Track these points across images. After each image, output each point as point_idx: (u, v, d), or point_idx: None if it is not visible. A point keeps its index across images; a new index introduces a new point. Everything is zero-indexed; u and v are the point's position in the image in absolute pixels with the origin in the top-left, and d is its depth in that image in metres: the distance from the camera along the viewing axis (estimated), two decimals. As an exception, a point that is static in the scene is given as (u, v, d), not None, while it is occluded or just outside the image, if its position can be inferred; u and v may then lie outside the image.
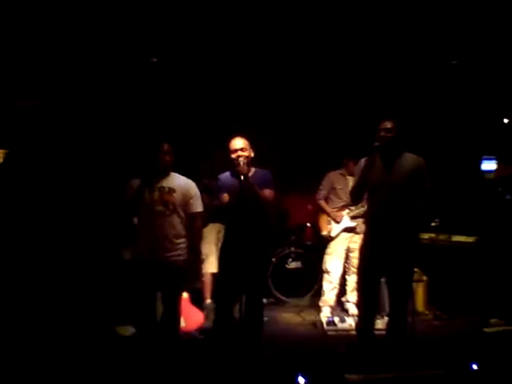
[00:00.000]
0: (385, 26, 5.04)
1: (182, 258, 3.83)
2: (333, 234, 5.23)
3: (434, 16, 4.91)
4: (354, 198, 4.28)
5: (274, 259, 5.82)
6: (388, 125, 3.92)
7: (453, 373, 3.61)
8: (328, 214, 5.28)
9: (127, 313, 4.35)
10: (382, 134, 3.91)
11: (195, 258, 4.04)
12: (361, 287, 4.17)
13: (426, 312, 5.30)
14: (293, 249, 5.97)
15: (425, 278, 5.38)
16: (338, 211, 5.24)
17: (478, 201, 6.13)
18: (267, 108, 6.14)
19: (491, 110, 6.61)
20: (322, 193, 5.33)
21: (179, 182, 3.86)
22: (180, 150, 4.05)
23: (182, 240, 3.85)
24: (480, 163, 6.72)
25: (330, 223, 5.28)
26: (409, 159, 3.97)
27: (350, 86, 5.99)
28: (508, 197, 6.37)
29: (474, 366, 3.63)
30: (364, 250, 4.15)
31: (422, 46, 5.43)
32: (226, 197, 3.96)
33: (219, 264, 4.16)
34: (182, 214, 3.83)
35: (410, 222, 3.94)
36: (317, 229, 5.63)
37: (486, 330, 4.67)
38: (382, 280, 4.23)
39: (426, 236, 5.37)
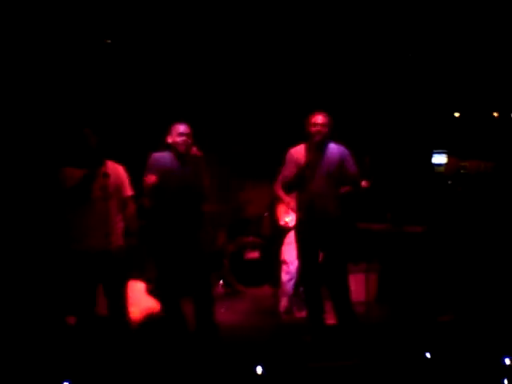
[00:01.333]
0: (340, 16, 5.09)
1: (118, 244, 3.80)
2: (291, 224, 5.24)
3: (390, 10, 4.99)
4: (289, 190, 4.38)
5: (231, 249, 5.82)
6: (324, 119, 4.08)
7: (407, 360, 3.71)
8: (286, 204, 5.28)
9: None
10: (319, 128, 4.06)
11: (133, 240, 3.99)
12: (303, 276, 4.35)
13: (379, 301, 5.40)
14: (251, 238, 5.96)
15: (379, 267, 5.49)
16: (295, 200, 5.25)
17: (429, 193, 6.30)
18: (223, 99, 6.09)
19: (442, 104, 6.79)
20: (280, 181, 5.32)
21: (110, 167, 3.80)
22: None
23: (118, 225, 3.83)
24: (431, 157, 6.91)
25: (287, 213, 5.29)
26: (335, 149, 4.18)
27: (304, 75, 6.02)
28: (459, 189, 6.59)
29: (427, 355, 3.74)
30: (299, 238, 4.28)
31: (380, 38, 5.51)
32: (152, 178, 3.84)
33: (155, 259, 4.06)
34: (116, 198, 3.80)
35: (339, 207, 4.16)
36: (275, 218, 5.62)
37: (439, 318, 4.81)
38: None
39: (380, 227, 5.48)
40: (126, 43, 5.33)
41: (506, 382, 3.33)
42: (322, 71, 5.96)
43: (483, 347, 3.88)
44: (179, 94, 5.87)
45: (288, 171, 4.20)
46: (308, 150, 4.13)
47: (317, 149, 4.10)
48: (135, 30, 5.13)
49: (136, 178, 4.00)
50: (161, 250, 3.97)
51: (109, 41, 5.27)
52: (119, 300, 3.84)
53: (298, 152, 4.21)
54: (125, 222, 3.87)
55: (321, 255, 4.29)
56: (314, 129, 4.07)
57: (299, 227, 4.30)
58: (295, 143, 5.41)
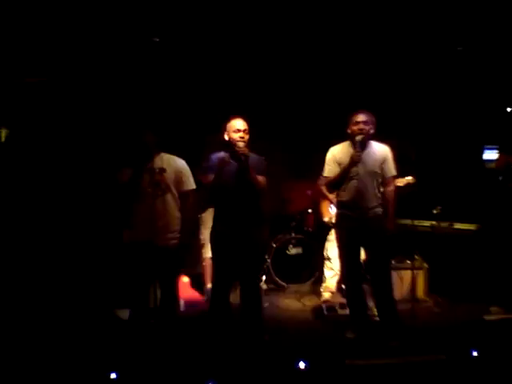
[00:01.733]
0: (389, 11, 4.99)
1: (176, 240, 3.83)
2: (334, 220, 5.20)
3: (440, 2, 4.87)
4: (332, 189, 4.36)
5: (274, 245, 5.83)
6: (366, 117, 4.06)
7: (453, 359, 3.62)
8: (330, 201, 5.26)
9: (125, 296, 4.33)
10: (361, 126, 4.04)
11: (188, 237, 3.99)
12: (345, 274, 4.32)
13: (427, 299, 5.30)
14: (293, 235, 5.96)
15: (425, 265, 5.38)
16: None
17: (479, 189, 6.12)
18: (268, 94, 6.09)
19: (494, 99, 6.58)
20: (324, 179, 5.30)
21: (168, 161, 3.85)
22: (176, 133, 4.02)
23: (177, 221, 3.84)
24: (481, 152, 6.71)
25: (331, 209, 5.26)
26: (378, 147, 4.14)
27: (354, 70, 5.95)
28: (510, 185, 6.37)
29: (475, 353, 3.66)
30: (340, 235, 4.26)
31: (427, 32, 5.39)
32: (208, 178, 3.85)
33: (211, 249, 4.06)
34: (175, 193, 3.82)
35: (380, 206, 4.10)
36: (318, 215, 5.60)
37: (486, 317, 4.68)
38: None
39: (427, 223, 5.37)
40: (178, 40, 5.39)
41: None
42: (369, 65, 5.88)
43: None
44: (229, 89, 5.91)
45: (330, 170, 4.20)
46: (350, 149, 4.10)
47: (360, 147, 4.05)
48: (185, 27, 5.17)
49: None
50: (219, 246, 3.99)
51: (157, 39, 5.35)
52: (171, 294, 3.91)
53: (340, 151, 4.20)
54: (182, 216, 3.87)
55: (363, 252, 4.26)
56: (356, 127, 4.04)
57: (340, 224, 4.28)
58: (336, 141, 5.43)
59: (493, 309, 4.82)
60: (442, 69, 6.05)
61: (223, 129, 3.96)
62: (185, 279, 5.09)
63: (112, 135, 5.44)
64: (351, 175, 4.06)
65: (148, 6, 4.69)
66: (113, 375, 3.37)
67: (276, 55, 5.61)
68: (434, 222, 5.35)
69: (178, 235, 3.84)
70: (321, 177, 5.28)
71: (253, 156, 3.91)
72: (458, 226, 5.49)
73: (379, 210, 4.11)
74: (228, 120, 3.95)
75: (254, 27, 5.11)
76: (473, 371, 3.49)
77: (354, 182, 4.06)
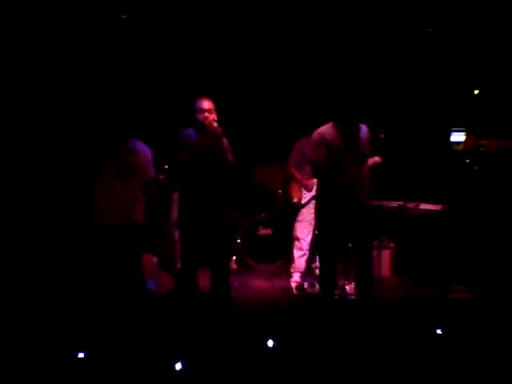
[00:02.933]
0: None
1: (140, 220, 3.89)
2: (303, 202, 5.24)
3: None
4: (321, 173, 4.22)
5: (245, 226, 5.84)
6: (355, 103, 4.00)
7: (418, 337, 3.71)
8: (299, 182, 5.28)
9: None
10: (354, 111, 3.99)
11: (152, 220, 4.07)
12: (322, 254, 4.32)
13: (392, 278, 5.40)
14: (263, 215, 5.97)
15: (392, 244, 5.48)
16: (308, 179, 5.23)
17: (446, 171, 6.23)
18: (238, 73, 6.05)
19: (462, 81, 6.66)
20: (293, 160, 5.32)
21: (138, 146, 3.88)
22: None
23: (140, 203, 3.90)
24: (449, 134, 6.81)
25: (300, 191, 5.28)
26: (364, 130, 4.15)
27: (319, 52, 5.94)
28: (476, 168, 6.51)
29: (439, 331, 3.76)
30: (324, 218, 4.22)
31: (397, 13, 5.40)
32: (184, 156, 3.86)
33: (179, 230, 4.08)
34: (141, 177, 3.87)
35: (366, 188, 4.16)
36: (288, 196, 5.62)
37: (450, 296, 4.80)
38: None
39: (393, 204, 5.44)
40: (148, 19, 5.30)
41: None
42: (339, 47, 5.87)
43: (497, 325, 3.87)
44: (201, 68, 5.85)
45: (319, 153, 4.05)
46: (341, 131, 4.04)
47: (351, 129, 4.04)
48: (159, 5, 5.09)
49: (160, 154, 4.07)
50: (186, 224, 3.99)
51: (124, 16, 5.24)
52: (136, 273, 3.93)
53: (329, 133, 4.07)
54: (147, 199, 3.93)
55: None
56: (350, 111, 3.99)
57: (328, 206, 4.16)
58: (309, 122, 5.43)
59: (457, 287, 4.95)
60: (410, 50, 6.08)
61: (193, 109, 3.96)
62: (153, 259, 5.05)
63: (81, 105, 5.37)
64: (343, 158, 4.00)
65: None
66: (81, 354, 3.37)
67: (252, 36, 5.57)
68: (400, 203, 5.43)
69: (141, 215, 3.90)
70: (290, 158, 5.34)
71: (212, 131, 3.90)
72: (424, 206, 5.57)
73: (366, 192, 4.15)
74: (196, 100, 3.94)
75: (232, 12, 5.06)
76: (437, 348, 3.57)
77: (346, 166, 4.01)
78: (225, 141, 3.96)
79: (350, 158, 4.02)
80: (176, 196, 5.15)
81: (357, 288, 4.23)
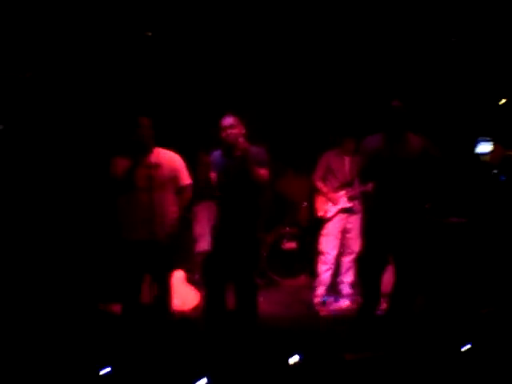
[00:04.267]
0: (382, 3, 4.98)
1: (168, 234, 3.86)
2: (329, 215, 5.21)
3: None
4: (365, 179, 4.33)
5: (269, 239, 5.83)
6: (401, 108, 3.98)
7: (446, 353, 3.67)
8: (325, 195, 5.26)
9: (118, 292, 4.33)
10: (398, 118, 3.95)
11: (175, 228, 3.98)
12: (369, 267, 4.18)
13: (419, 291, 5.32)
14: (288, 229, 5.96)
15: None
16: (334, 192, 5.22)
17: (474, 182, 6.14)
18: (264, 86, 6.07)
19: (488, 91, 6.58)
20: (319, 173, 5.30)
21: (164, 157, 3.85)
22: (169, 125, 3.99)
23: (170, 217, 3.86)
24: (476, 145, 6.72)
25: (326, 204, 5.26)
26: (414, 139, 4.04)
27: (346, 64, 5.93)
28: (503, 178, 6.40)
29: (468, 346, 3.70)
30: (371, 230, 4.16)
31: (422, 22, 5.37)
32: (213, 175, 3.91)
33: (213, 245, 4.06)
34: (170, 189, 3.85)
35: (417, 201, 4.06)
36: (313, 209, 5.60)
37: (482, 310, 4.71)
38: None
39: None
40: (177, 35, 5.37)
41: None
42: (363, 58, 5.86)
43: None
44: (226, 84, 5.88)
45: (364, 161, 4.08)
46: (387, 139, 4.00)
47: (396, 139, 3.98)
48: (184, 21, 5.15)
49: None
50: (219, 241, 3.98)
51: (150, 33, 5.32)
52: (164, 289, 3.90)
53: (375, 142, 4.05)
54: (180, 210, 3.94)
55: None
56: (392, 118, 3.95)
57: (374, 216, 4.15)
58: (335, 134, 5.43)
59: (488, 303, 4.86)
60: (435, 60, 6.03)
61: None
62: (179, 274, 5.08)
63: (106, 126, 5.40)
64: (387, 168, 3.95)
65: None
66: (107, 369, 3.39)
67: (275, 52, 5.60)
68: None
69: (171, 228, 3.86)
70: (316, 170, 5.32)
71: (252, 148, 3.84)
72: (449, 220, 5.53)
73: (414, 203, 4.06)
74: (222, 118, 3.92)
75: (250, 23, 5.09)
76: (466, 364, 3.52)
77: (390, 176, 3.96)
78: (259, 151, 3.89)
79: (397, 169, 3.94)
80: (196, 211, 5.23)
81: (392, 302, 4.15)
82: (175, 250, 4.03)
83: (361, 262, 4.43)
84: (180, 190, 3.92)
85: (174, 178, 3.87)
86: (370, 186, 4.33)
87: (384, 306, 4.68)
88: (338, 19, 5.18)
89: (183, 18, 5.06)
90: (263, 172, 3.85)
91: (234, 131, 3.82)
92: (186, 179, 3.94)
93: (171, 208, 3.87)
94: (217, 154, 3.98)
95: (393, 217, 3.98)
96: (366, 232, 4.28)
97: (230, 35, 5.34)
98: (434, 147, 4.05)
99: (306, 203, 6.10)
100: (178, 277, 5.02)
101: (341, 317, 4.68)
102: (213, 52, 5.59)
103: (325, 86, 6.14)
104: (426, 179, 4.08)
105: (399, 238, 4.00)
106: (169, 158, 3.87)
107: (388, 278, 4.48)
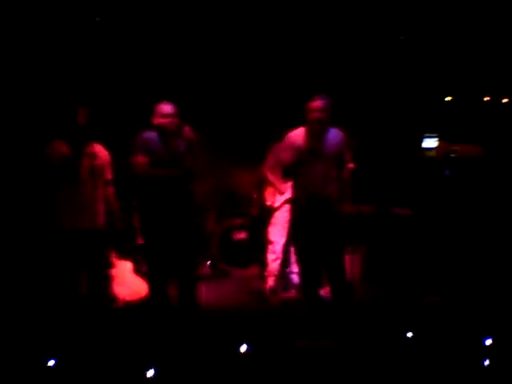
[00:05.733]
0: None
1: (103, 224, 3.86)
2: (276, 205, 5.26)
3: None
4: (287, 174, 4.33)
5: (219, 230, 5.83)
6: (324, 105, 4.01)
7: (389, 340, 3.75)
8: (273, 185, 5.30)
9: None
10: (319, 114, 3.98)
11: (115, 224, 4.01)
12: (300, 258, 4.29)
13: (364, 281, 5.44)
14: (238, 220, 5.97)
15: (363, 248, 5.53)
16: (282, 182, 5.25)
17: (418, 176, 6.33)
18: (213, 81, 6.05)
19: (434, 88, 6.77)
20: (269, 164, 5.33)
21: (97, 148, 3.85)
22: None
23: (102, 207, 3.86)
24: (421, 140, 6.92)
25: (274, 194, 5.30)
26: (335, 134, 4.12)
27: (293, 59, 5.98)
28: (447, 173, 6.63)
29: (409, 334, 3.78)
30: (294, 221, 4.27)
31: (370, 21, 5.47)
32: (142, 158, 3.78)
33: (144, 237, 4.03)
34: (101, 180, 3.86)
35: (336, 192, 4.13)
36: (262, 200, 5.63)
37: (424, 299, 4.86)
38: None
39: (366, 208, 5.54)
40: (117, 21, 5.26)
41: (487, 362, 3.36)
42: (311, 55, 5.92)
43: (465, 328, 3.91)
44: (170, 73, 5.81)
45: (286, 155, 4.11)
46: (309, 135, 4.06)
47: (318, 134, 4.04)
48: (126, 7, 5.06)
49: (120, 158, 3.99)
50: (151, 231, 3.94)
51: (98, 18, 5.20)
52: (101, 280, 3.90)
53: (298, 136, 4.11)
54: (105, 203, 3.90)
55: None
56: (314, 114, 3.99)
57: (297, 210, 4.25)
58: (285, 125, 5.45)
59: (430, 292, 5.02)
60: (383, 57, 6.16)
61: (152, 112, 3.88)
62: (128, 265, 5.01)
63: (43, 112, 5.24)
64: (309, 162, 4.02)
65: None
66: (51, 362, 3.30)
67: (219, 43, 5.58)
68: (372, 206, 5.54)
69: (104, 219, 3.86)
70: (267, 161, 5.35)
71: (185, 138, 3.85)
72: (396, 211, 5.68)
73: (336, 196, 4.13)
74: (156, 104, 3.86)
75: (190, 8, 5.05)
76: (408, 352, 3.61)
77: (311, 169, 4.03)
78: (188, 141, 3.89)
79: (317, 162, 4.02)
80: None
81: (332, 291, 4.24)
82: (120, 241, 3.97)
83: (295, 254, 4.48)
84: (105, 183, 3.91)
85: (103, 171, 3.88)
86: None
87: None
88: (274, 13, 5.22)
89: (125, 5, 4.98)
90: (197, 161, 3.88)
91: (175, 119, 3.81)
92: (111, 173, 3.96)
93: (102, 199, 3.87)
94: (149, 138, 3.85)
95: (315, 209, 4.06)
96: (291, 224, 4.39)
97: (169, 24, 5.28)
98: (348, 149, 4.15)
99: (256, 194, 6.12)
100: (127, 268, 4.96)
101: (290, 306, 4.73)
102: (153, 41, 5.53)
103: (274, 77, 6.17)
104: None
105: (322, 228, 4.08)
106: (101, 151, 3.90)
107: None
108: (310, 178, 4.06)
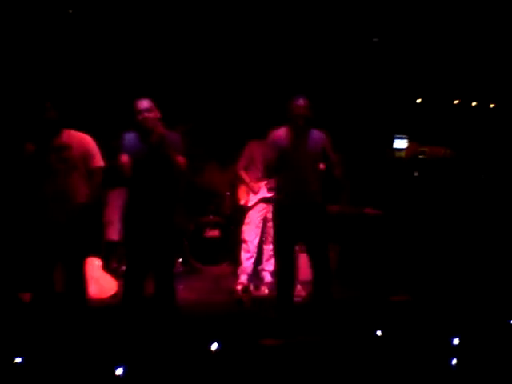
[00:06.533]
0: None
1: (82, 216, 3.76)
2: (250, 204, 5.27)
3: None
4: (272, 174, 4.33)
5: (191, 227, 5.80)
6: (306, 103, 4.04)
7: (358, 338, 3.80)
8: (246, 184, 5.31)
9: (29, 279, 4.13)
10: (303, 111, 4.00)
11: (86, 212, 3.86)
12: (279, 256, 4.29)
13: (335, 280, 5.49)
14: (211, 217, 5.95)
15: (336, 247, 5.58)
16: (256, 182, 5.27)
17: (388, 177, 6.42)
18: (188, 76, 6.01)
19: (404, 90, 6.87)
20: (242, 162, 5.34)
21: (74, 138, 3.75)
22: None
23: (83, 198, 3.76)
24: (392, 141, 7.02)
25: (248, 193, 5.31)
26: (317, 134, 4.16)
27: (269, 59, 5.98)
28: (415, 174, 6.75)
29: (379, 333, 3.84)
30: (278, 220, 4.25)
31: (343, 22, 5.51)
32: (125, 158, 3.72)
33: (124, 235, 3.99)
34: (82, 170, 3.75)
35: (320, 191, 4.17)
36: (235, 198, 5.63)
37: (392, 298, 4.94)
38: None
39: (336, 208, 5.61)
40: (93, 14, 5.17)
41: (454, 361, 3.43)
42: (284, 57, 5.93)
43: (433, 327, 3.99)
44: (145, 69, 5.75)
45: (270, 153, 4.12)
46: (292, 133, 4.08)
47: (302, 131, 4.06)
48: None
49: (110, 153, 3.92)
50: (131, 229, 3.89)
51: (70, 11, 5.10)
52: (77, 275, 3.80)
53: (281, 134, 4.13)
54: (89, 191, 3.79)
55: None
56: (299, 111, 4.00)
57: (279, 210, 4.25)
58: (258, 124, 5.46)
59: (398, 291, 5.11)
60: (355, 59, 6.21)
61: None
62: (96, 261, 4.95)
63: (12, 110, 5.13)
64: (292, 161, 4.04)
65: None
66: (17, 360, 3.25)
67: (198, 41, 5.55)
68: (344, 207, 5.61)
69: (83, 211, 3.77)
70: (239, 160, 5.35)
71: (169, 134, 3.80)
72: (367, 210, 5.77)
73: (319, 195, 4.17)
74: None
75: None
76: (377, 350, 3.67)
77: (295, 168, 4.06)
78: (175, 137, 3.85)
79: (299, 161, 4.05)
80: (110, 195, 5.08)
81: (314, 289, 4.26)
82: (87, 236, 3.90)
83: (274, 251, 4.47)
84: (90, 172, 3.78)
85: (85, 160, 3.75)
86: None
87: (302, 293, 4.84)
88: (253, 15, 5.22)
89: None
90: (181, 159, 3.80)
91: (151, 115, 3.74)
92: (96, 161, 3.80)
93: (82, 190, 3.75)
94: (130, 137, 3.82)
95: (297, 207, 4.10)
96: (274, 222, 4.37)
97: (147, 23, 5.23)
98: (332, 149, 4.20)
99: (228, 193, 6.13)
100: (95, 264, 4.90)
101: (261, 304, 4.75)
102: (134, 32, 5.46)
103: (248, 76, 6.16)
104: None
105: (307, 224, 4.13)
106: (79, 139, 3.77)
107: (304, 266, 4.63)
108: (294, 176, 4.09)
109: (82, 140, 3.79)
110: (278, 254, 4.30)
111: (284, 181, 4.18)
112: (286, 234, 4.20)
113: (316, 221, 4.15)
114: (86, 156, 3.76)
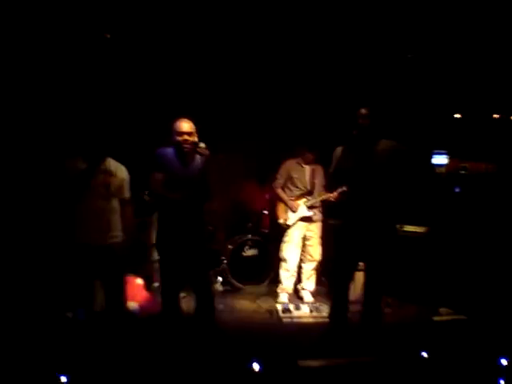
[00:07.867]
0: (341, 18, 5.07)
1: (119, 240, 3.85)
2: (289, 223, 5.26)
3: (390, 9, 4.98)
4: (331, 186, 4.27)
5: (230, 246, 5.82)
6: (365, 111, 3.94)
7: (403, 360, 3.71)
8: (285, 203, 5.31)
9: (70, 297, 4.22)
10: (360, 121, 3.93)
11: (130, 240, 3.98)
12: (339, 275, 4.17)
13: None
14: (250, 236, 5.97)
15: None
16: (294, 200, 5.27)
17: (429, 193, 6.31)
18: (224, 96, 6.08)
19: (443, 105, 6.78)
20: (279, 181, 5.35)
21: (114, 165, 3.86)
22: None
23: (119, 224, 3.86)
24: (431, 157, 6.92)
25: (286, 211, 5.30)
26: (387, 145, 4.00)
27: (304, 78, 6.00)
28: (457, 190, 6.61)
29: (424, 354, 3.74)
30: (341, 238, 4.13)
31: (379, 39, 5.50)
32: (158, 175, 3.77)
33: (158, 253, 4.03)
34: (118, 197, 3.85)
35: (388, 209, 3.98)
36: (274, 217, 5.63)
37: (435, 318, 4.82)
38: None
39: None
40: (130, 38, 5.30)
41: (502, 382, 3.32)
42: (321, 73, 5.95)
43: (480, 348, 3.88)
44: (185, 90, 5.84)
45: (332, 168, 4.13)
46: (353, 148, 4.00)
47: (362, 145, 3.97)
48: (137, 24, 5.10)
49: (138, 175, 4.01)
50: (163, 246, 3.93)
51: (108, 35, 5.25)
52: (117, 295, 3.87)
53: (339, 151, 4.09)
54: (122, 221, 3.89)
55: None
56: (355, 122, 3.92)
57: (342, 227, 4.14)
58: (296, 142, 5.48)
59: (441, 310, 4.98)
60: (392, 75, 6.18)
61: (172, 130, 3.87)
62: (139, 281, 5.01)
63: (60, 126, 5.28)
64: (353, 176, 3.94)
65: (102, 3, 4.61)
66: (63, 378, 3.29)
67: (237, 56, 5.60)
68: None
69: (121, 236, 3.86)
70: (276, 179, 5.36)
71: (200, 155, 3.82)
72: (408, 228, 5.66)
73: (384, 214, 3.96)
74: (174, 121, 3.85)
75: (203, 21, 5.06)
76: (422, 372, 3.58)
77: (357, 184, 3.94)
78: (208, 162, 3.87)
79: (362, 179, 3.93)
80: (153, 218, 5.15)
81: (364, 310, 4.14)
82: (131, 257, 3.97)
83: (332, 270, 4.39)
84: (122, 202, 3.90)
85: (120, 189, 3.87)
86: (333, 195, 4.24)
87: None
88: (301, 30, 5.24)
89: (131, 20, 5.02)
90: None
91: (192, 138, 3.79)
92: (128, 192, 3.94)
93: (118, 216, 3.86)
94: (166, 154, 3.83)
95: (363, 224, 3.96)
96: (336, 240, 4.23)
97: (188, 36, 5.31)
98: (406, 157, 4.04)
99: (266, 211, 6.13)
100: (137, 284, 4.96)
101: (302, 324, 4.71)
102: (168, 58, 5.56)
103: (286, 98, 6.19)
104: (395, 185, 3.97)
105: (371, 246, 3.97)
106: (120, 168, 3.90)
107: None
108: (357, 192, 3.96)
109: (122, 170, 3.91)
110: (337, 273, 4.18)
111: (348, 195, 4.05)
112: (348, 252, 4.06)
113: (379, 242, 3.97)
114: (122, 186, 3.87)
